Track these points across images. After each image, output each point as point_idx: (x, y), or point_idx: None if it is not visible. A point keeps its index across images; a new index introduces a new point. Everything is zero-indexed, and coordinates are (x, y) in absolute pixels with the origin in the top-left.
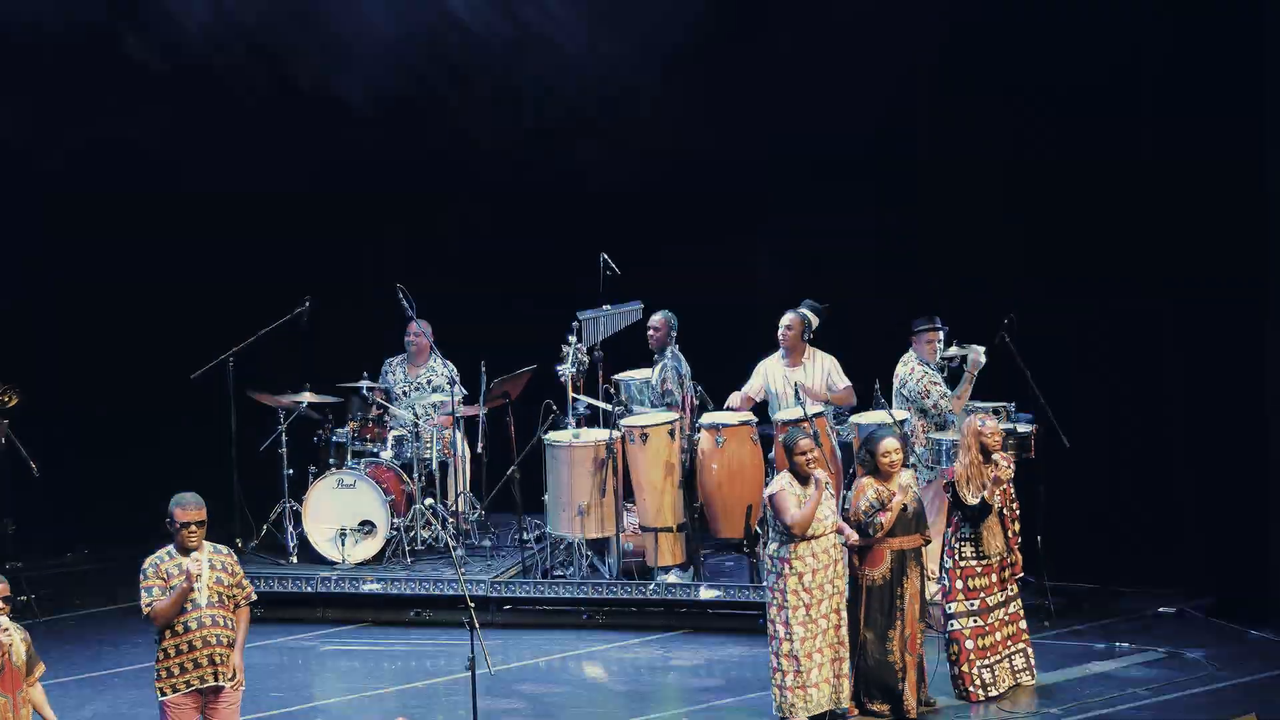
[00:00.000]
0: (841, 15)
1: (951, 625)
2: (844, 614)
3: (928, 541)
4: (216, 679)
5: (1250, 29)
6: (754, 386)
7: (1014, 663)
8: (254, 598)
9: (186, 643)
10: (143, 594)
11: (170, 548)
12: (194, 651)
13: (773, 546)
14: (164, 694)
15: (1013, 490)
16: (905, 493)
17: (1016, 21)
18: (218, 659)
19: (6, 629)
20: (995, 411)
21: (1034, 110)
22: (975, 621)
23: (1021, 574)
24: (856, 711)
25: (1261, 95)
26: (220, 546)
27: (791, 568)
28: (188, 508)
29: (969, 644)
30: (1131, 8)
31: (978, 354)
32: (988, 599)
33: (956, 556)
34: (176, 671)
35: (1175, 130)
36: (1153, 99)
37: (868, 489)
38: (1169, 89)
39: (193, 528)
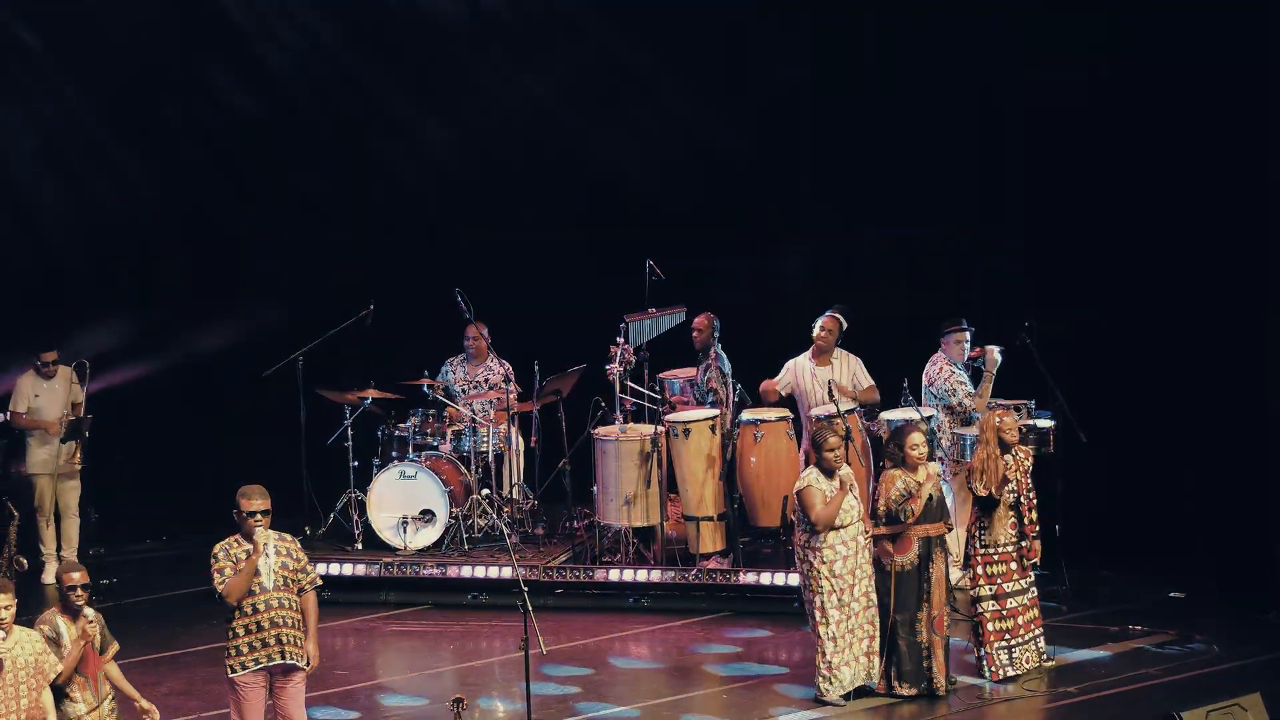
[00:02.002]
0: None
1: (975, 609)
2: (873, 597)
3: (950, 529)
4: (284, 658)
5: (1254, 30)
6: (782, 381)
7: (1039, 644)
8: (319, 583)
9: (255, 623)
10: (215, 575)
11: (238, 536)
12: (261, 631)
13: (803, 538)
14: (234, 671)
15: (1030, 481)
16: (933, 481)
17: (1032, 29)
18: (284, 639)
19: (91, 619)
20: (1017, 409)
21: (1049, 118)
22: (994, 605)
23: (1037, 560)
24: (884, 690)
25: (1264, 97)
26: (285, 535)
27: (822, 557)
28: (253, 498)
29: (990, 626)
30: (1138, 10)
31: (993, 353)
32: (1005, 585)
33: (977, 544)
34: (245, 650)
35: (1180, 133)
36: (1158, 101)
37: (896, 479)
38: (1173, 91)
39: (258, 516)
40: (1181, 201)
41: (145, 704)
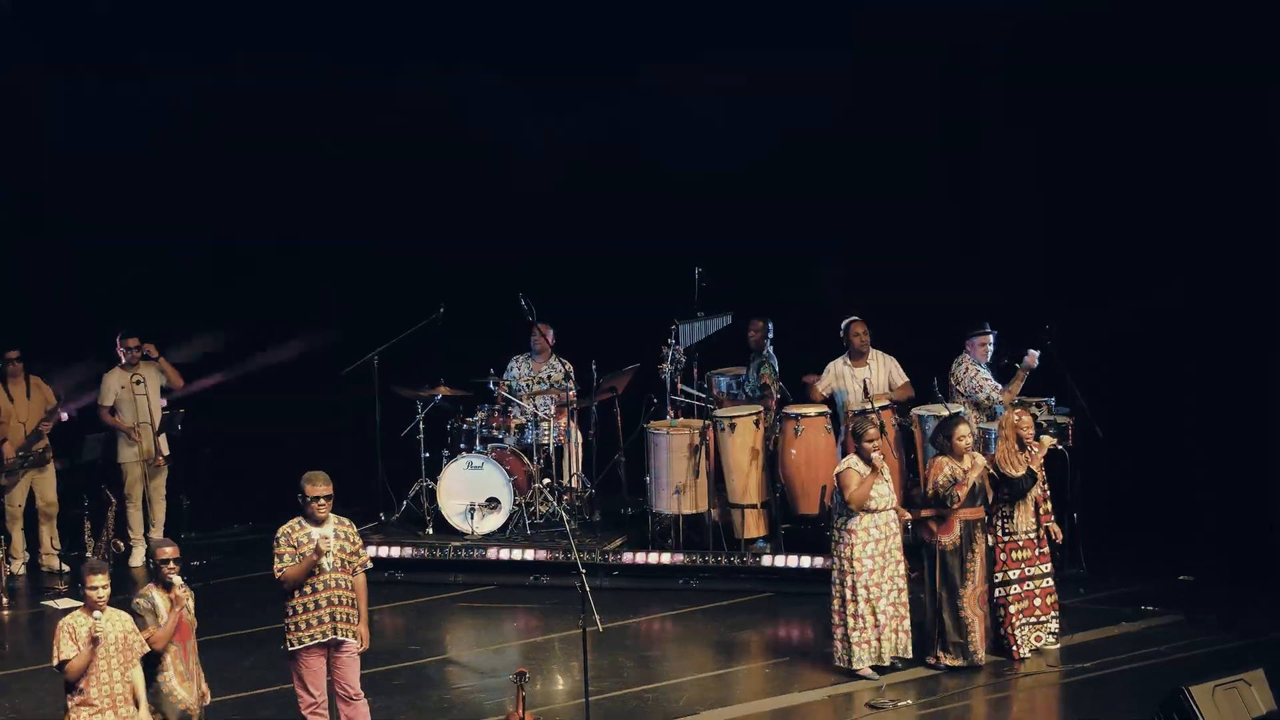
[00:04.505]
0: (890, 34)
1: (998, 592)
2: (899, 581)
3: (988, 516)
4: (336, 634)
5: (1258, 31)
6: (824, 383)
7: (1049, 627)
8: (370, 565)
9: (313, 601)
10: (275, 560)
11: (300, 519)
12: (319, 610)
13: (841, 520)
14: (292, 645)
15: (1044, 473)
16: (976, 469)
17: (1041, 32)
18: (339, 616)
19: (184, 585)
20: (1038, 405)
21: (1068, 133)
22: (1017, 589)
23: (1061, 539)
24: (933, 662)
25: (1266, 97)
26: (343, 518)
27: (857, 537)
28: (317, 483)
29: (1013, 608)
30: (1144, 14)
31: (1032, 356)
32: (1028, 569)
33: (999, 532)
34: (303, 626)
35: (1186, 134)
36: (1164, 102)
37: (944, 466)
38: (1179, 92)
39: (321, 501)
40: (1192, 204)
41: (204, 687)
